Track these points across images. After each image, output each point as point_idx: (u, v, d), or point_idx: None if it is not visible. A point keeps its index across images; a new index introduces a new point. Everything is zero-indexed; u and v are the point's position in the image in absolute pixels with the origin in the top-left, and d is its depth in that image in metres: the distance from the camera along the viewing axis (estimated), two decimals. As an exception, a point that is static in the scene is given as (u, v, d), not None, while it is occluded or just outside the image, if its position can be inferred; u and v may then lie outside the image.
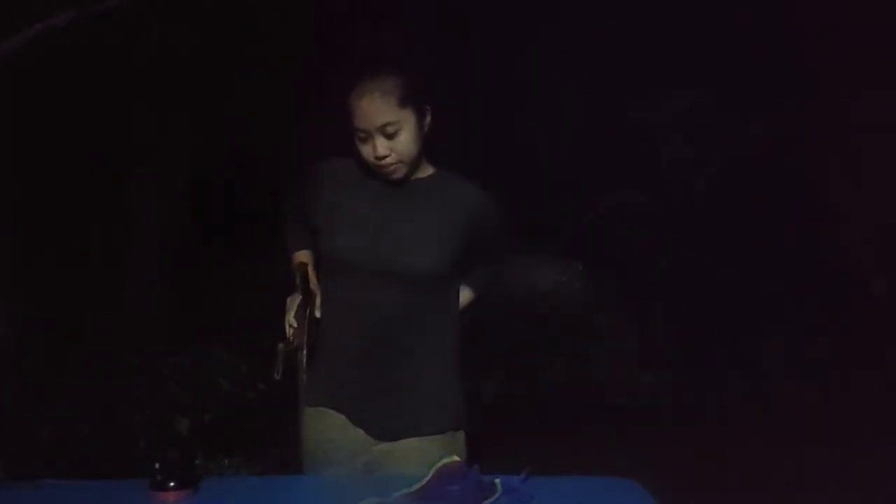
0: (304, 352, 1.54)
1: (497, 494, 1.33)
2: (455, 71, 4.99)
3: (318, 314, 1.57)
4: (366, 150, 1.51)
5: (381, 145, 1.49)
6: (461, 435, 1.62)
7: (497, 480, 1.36)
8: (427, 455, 1.52)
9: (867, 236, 5.54)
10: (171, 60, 4.53)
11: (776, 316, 5.50)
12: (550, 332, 5.40)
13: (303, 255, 1.70)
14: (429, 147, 1.63)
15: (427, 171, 1.62)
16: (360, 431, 1.57)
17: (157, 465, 1.37)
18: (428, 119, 1.55)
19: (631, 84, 5.36)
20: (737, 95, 5.30)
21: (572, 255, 5.93)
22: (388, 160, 1.50)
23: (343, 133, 1.57)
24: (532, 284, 5.80)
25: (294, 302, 1.56)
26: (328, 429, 1.58)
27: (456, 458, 1.41)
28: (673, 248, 5.76)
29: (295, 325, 1.54)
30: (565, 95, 5.33)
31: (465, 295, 1.71)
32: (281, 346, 1.52)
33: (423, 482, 1.34)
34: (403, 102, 1.48)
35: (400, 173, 1.54)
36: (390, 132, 1.48)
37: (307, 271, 1.59)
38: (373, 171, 1.56)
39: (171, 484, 1.36)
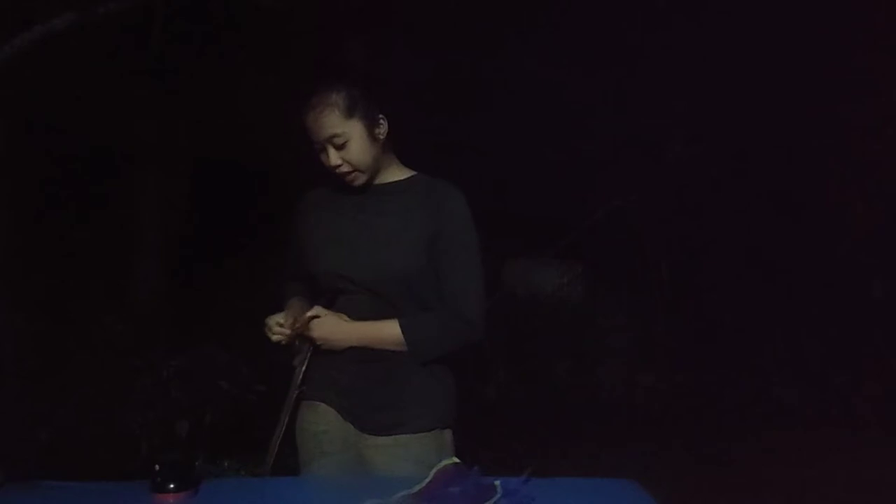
0: (303, 368, 1.66)
1: (497, 496, 1.33)
2: (455, 75, 5.01)
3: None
4: (323, 160, 1.60)
5: (332, 156, 1.57)
6: (448, 434, 1.64)
7: (497, 482, 1.36)
8: (412, 451, 1.57)
9: (868, 237, 5.53)
10: (172, 62, 4.53)
11: (777, 317, 5.49)
12: (551, 334, 5.39)
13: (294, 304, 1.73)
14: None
15: (402, 174, 1.68)
16: (349, 425, 1.62)
17: (157, 467, 1.37)
18: (382, 128, 1.60)
19: (631, 86, 5.36)
20: (737, 97, 5.30)
21: (573, 257, 5.92)
22: (342, 169, 1.58)
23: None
24: (533, 286, 5.80)
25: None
26: (321, 421, 1.65)
27: (456, 459, 1.41)
28: (673, 251, 5.75)
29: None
30: (567, 98, 5.33)
31: (390, 330, 1.58)
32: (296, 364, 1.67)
33: (424, 483, 1.34)
34: (349, 114, 1.55)
35: (359, 180, 1.61)
36: (338, 143, 1.56)
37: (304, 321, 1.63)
38: (346, 186, 1.63)
39: (171, 486, 1.36)
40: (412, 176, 1.68)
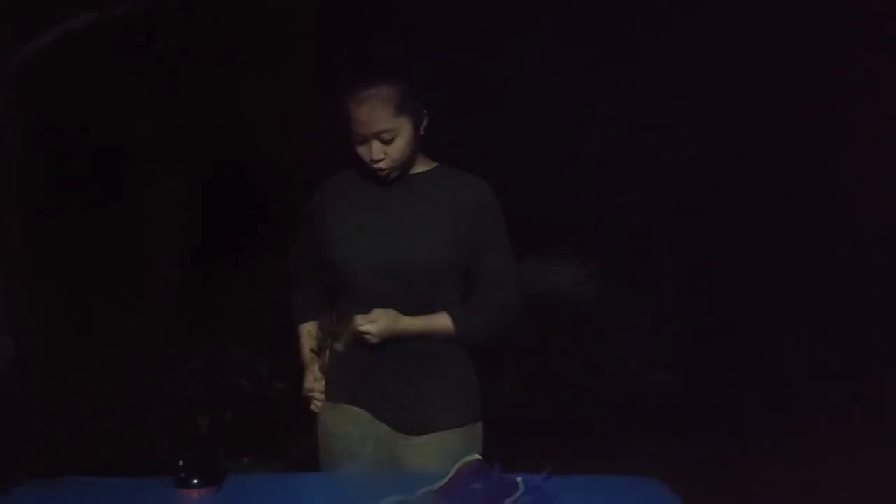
0: None
1: (519, 493, 1.32)
2: (469, 70, 5.00)
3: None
4: (362, 151, 1.57)
5: (377, 150, 1.54)
6: (479, 426, 1.64)
7: (519, 479, 1.35)
8: (449, 447, 1.55)
9: (884, 233, 5.47)
10: (187, 63, 4.56)
11: (792, 315, 5.44)
12: (566, 330, 5.37)
13: (309, 329, 1.71)
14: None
15: (427, 165, 1.65)
16: (384, 426, 1.59)
17: (181, 463, 1.38)
18: (425, 122, 1.59)
19: (644, 81, 5.34)
20: (750, 92, 5.26)
21: (585, 255, 5.90)
22: (381, 164, 1.55)
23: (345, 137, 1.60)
24: (545, 284, 5.78)
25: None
26: (349, 423, 1.61)
27: (477, 456, 1.40)
28: (689, 248, 5.72)
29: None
30: (579, 93, 5.31)
31: (441, 321, 1.58)
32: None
33: (446, 480, 1.34)
34: (400, 110, 1.53)
35: (393, 174, 1.59)
36: (387, 139, 1.53)
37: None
38: (371, 176, 1.61)
39: (196, 481, 1.37)
40: (436, 166, 1.66)
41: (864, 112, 5.15)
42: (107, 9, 3.18)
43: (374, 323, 1.51)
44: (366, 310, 1.53)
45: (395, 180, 1.61)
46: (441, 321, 1.57)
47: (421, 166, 1.64)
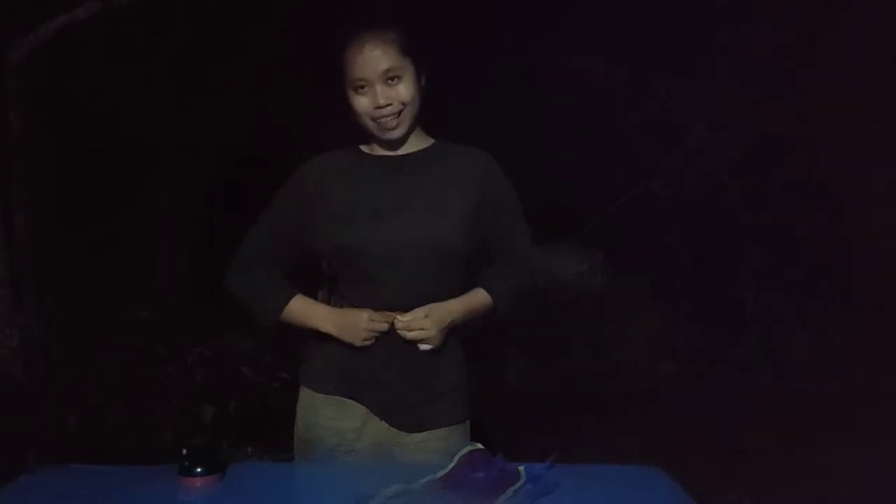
0: None
1: (521, 482, 1.33)
2: (477, 58, 4.98)
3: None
4: (364, 104, 1.49)
5: (383, 94, 1.47)
6: (468, 422, 1.62)
7: (521, 468, 1.36)
8: (444, 443, 1.54)
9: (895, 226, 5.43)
10: (194, 53, 4.55)
11: (800, 307, 5.42)
12: (571, 322, 5.37)
13: (300, 302, 1.60)
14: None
15: (426, 142, 1.60)
16: (382, 423, 1.55)
17: (184, 452, 1.38)
18: (423, 80, 1.54)
19: (654, 72, 5.31)
20: (761, 83, 5.22)
21: (595, 244, 5.89)
22: (389, 109, 1.48)
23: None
24: (553, 273, 5.77)
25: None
26: (347, 418, 1.55)
27: (479, 445, 1.41)
28: (696, 238, 5.70)
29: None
30: (588, 83, 5.28)
31: (481, 296, 1.58)
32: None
33: (448, 469, 1.35)
34: (404, 51, 1.48)
35: (400, 129, 1.51)
36: (393, 76, 1.47)
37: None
38: (371, 157, 1.56)
39: (199, 470, 1.38)
40: (435, 143, 1.61)
41: (887, 107, 5.08)
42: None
43: (427, 328, 1.48)
44: (393, 304, 1.49)
45: (389, 158, 1.56)
46: (480, 297, 1.57)
47: (420, 143, 1.59)
